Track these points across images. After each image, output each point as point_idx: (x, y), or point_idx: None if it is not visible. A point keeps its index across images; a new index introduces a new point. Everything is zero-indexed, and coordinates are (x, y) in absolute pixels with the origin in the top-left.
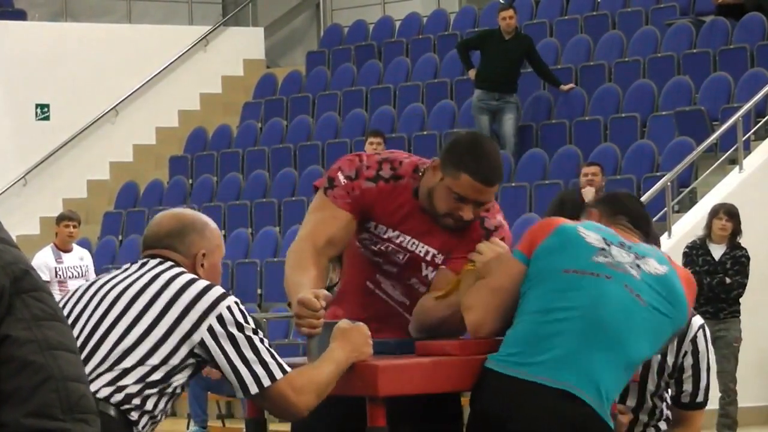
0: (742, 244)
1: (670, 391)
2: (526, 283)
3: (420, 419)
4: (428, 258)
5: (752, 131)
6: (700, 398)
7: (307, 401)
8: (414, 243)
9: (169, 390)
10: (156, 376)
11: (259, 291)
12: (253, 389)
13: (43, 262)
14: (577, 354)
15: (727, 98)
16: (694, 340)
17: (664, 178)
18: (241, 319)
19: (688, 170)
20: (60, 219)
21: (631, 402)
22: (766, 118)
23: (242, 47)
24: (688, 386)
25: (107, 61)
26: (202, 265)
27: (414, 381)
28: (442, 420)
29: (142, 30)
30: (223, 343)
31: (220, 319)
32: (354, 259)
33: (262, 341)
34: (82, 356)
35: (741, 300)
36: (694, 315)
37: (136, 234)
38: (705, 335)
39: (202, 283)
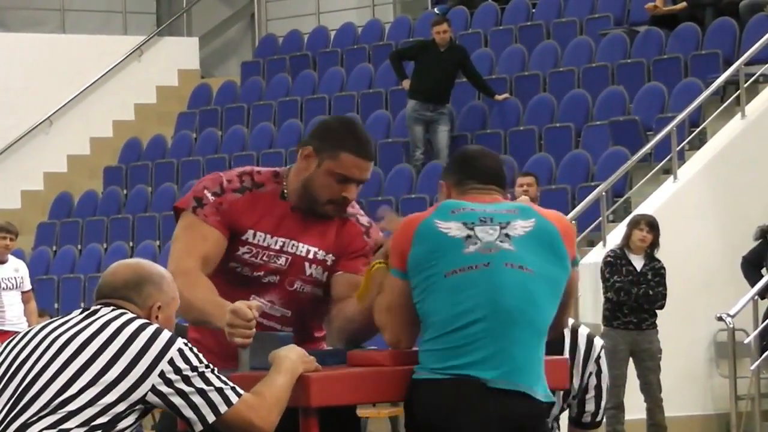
0: (680, 253)
1: (569, 412)
2: (416, 294)
3: None
4: (311, 256)
5: (686, 141)
6: (599, 417)
7: (268, 418)
8: (294, 244)
9: None
10: (102, 419)
11: None
12: (211, 417)
13: None
14: (501, 352)
15: (661, 108)
16: (597, 361)
17: (598, 188)
18: (194, 361)
19: (622, 180)
20: None
21: None
22: (700, 128)
23: (177, 57)
24: (590, 406)
25: (41, 71)
26: (157, 317)
27: (347, 392)
28: None
29: (76, 40)
30: (177, 385)
31: (172, 362)
32: (220, 288)
33: (213, 371)
34: (24, 400)
35: (672, 309)
36: (594, 336)
37: (70, 245)
38: (605, 356)
39: (151, 328)
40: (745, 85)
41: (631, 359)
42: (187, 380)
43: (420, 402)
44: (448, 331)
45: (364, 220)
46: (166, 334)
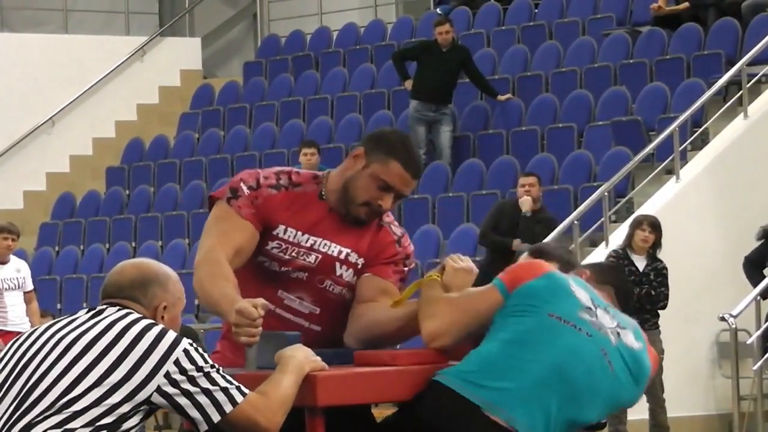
0: (682, 253)
1: None
2: (502, 312)
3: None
4: (342, 257)
5: (689, 141)
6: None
7: (273, 418)
8: (326, 244)
9: None
10: (107, 419)
11: (196, 302)
12: (216, 417)
13: None
14: (531, 392)
15: (664, 108)
16: None
17: (600, 189)
18: (199, 361)
19: (624, 180)
20: None
21: None
22: (702, 128)
23: (179, 58)
24: None
25: (44, 71)
26: (162, 317)
27: (353, 391)
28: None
29: (79, 40)
30: (182, 385)
31: (177, 363)
32: (249, 283)
33: (218, 371)
34: (30, 400)
35: (675, 309)
36: None
37: (72, 245)
38: None
39: (157, 329)
40: (748, 86)
41: None
42: (192, 380)
43: (426, 399)
44: (507, 351)
45: (398, 230)
46: (171, 335)
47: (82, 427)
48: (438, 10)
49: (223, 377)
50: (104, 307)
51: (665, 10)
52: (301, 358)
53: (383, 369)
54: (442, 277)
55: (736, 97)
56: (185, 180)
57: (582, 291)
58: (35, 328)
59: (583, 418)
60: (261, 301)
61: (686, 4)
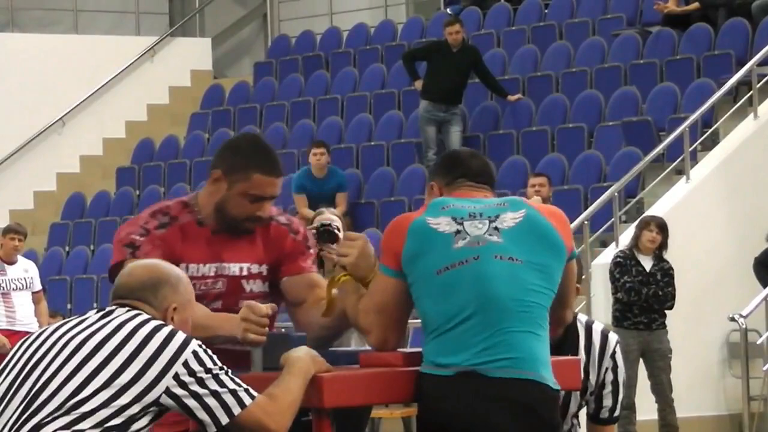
0: (692, 253)
1: (586, 408)
2: (413, 292)
3: None
4: (245, 273)
5: (699, 141)
6: (617, 413)
7: (282, 421)
8: (225, 266)
9: None
10: (116, 421)
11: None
12: (224, 419)
13: None
14: (500, 342)
15: (674, 109)
16: (613, 356)
17: (611, 189)
18: (208, 363)
19: (635, 181)
20: (6, 231)
21: None
22: (712, 129)
23: (189, 58)
24: (608, 402)
25: (54, 71)
26: (173, 319)
27: (359, 392)
28: None
29: (89, 41)
30: (191, 387)
31: (186, 365)
32: None
33: (227, 373)
34: (39, 400)
35: (685, 309)
36: (609, 331)
37: (83, 245)
38: (620, 351)
39: (166, 330)
40: (758, 86)
41: (641, 360)
42: (201, 382)
43: (427, 397)
44: (446, 330)
45: (283, 218)
46: (180, 336)
47: (91, 428)
48: (448, 11)
49: (232, 379)
50: (114, 307)
51: (675, 11)
52: (307, 359)
53: (388, 370)
54: (349, 273)
55: (747, 97)
56: (195, 180)
57: (442, 218)
58: (44, 328)
59: (538, 309)
60: (270, 304)
61: (696, 4)
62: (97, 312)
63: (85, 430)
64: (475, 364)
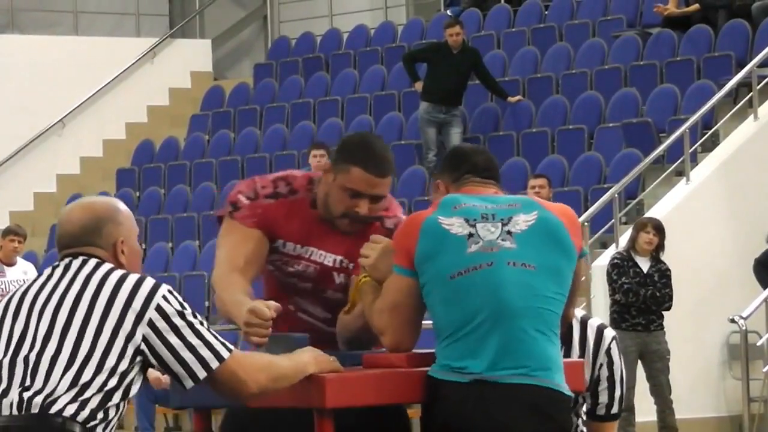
0: (692, 254)
1: (585, 405)
2: (424, 293)
3: None
4: (337, 266)
5: (699, 143)
6: (614, 409)
7: (257, 379)
8: (321, 254)
9: (126, 397)
10: (112, 382)
11: (206, 303)
12: (202, 374)
13: None
14: (513, 350)
15: (674, 110)
16: (608, 352)
17: (611, 190)
18: (178, 306)
19: (635, 182)
20: (6, 233)
21: None
22: (712, 130)
23: (189, 59)
24: (604, 398)
25: (54, 73)
26: (123, 252)
27: (362, 393)
28: None
29: (90, 42)
30: (166, 336)
31: (159, 309)
32: (271, 286)
33: (202, 324)
34: (38, 379)
35: (685, 311)
36: (605, 327)
37: None
38: (617, 346)
39: (133, 278)
40: (758, 87)
41: (639, 362)
42: (176, 331)
43: (442, 401)
44: (460, 336)
45: (390, 222)
46: (149, 282)
47: (94, 395)
48: (448, 12)
49: (208, 330)
50: (69, 260)
51: (675, 12)
52: (306, 359)
53: (391, 371)
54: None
55: (747, 98)
56: (195, 182)
57: (454, 219)
58: (10, 294)
59: (551, 315)
60: (273, 303)
61: (696, 5)
62: (53, 269)
63: (89, 398)
64: (490, 371)
